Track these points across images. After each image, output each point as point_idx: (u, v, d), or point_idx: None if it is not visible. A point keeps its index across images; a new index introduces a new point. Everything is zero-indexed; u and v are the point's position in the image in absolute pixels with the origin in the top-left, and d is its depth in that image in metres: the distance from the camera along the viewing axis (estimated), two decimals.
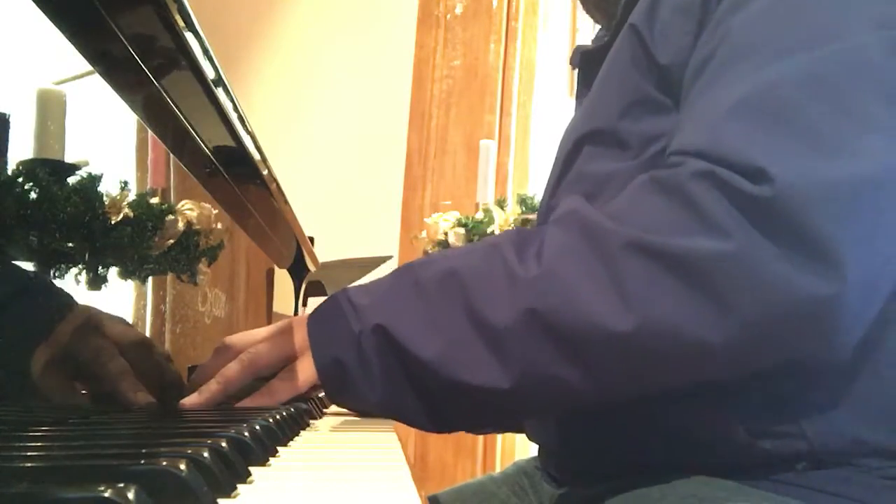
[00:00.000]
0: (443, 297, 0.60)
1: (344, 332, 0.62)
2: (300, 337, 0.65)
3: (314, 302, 1.71)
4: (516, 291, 0.57)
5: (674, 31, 0.63)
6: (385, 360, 0.60)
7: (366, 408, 0.65)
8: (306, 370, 0.63)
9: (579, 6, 0.89)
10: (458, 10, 2.80)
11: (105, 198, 0.58)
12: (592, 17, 0.88)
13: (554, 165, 0.79)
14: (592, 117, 0.70)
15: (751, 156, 0.51)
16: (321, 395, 1.03)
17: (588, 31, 2.82)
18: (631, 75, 0.66)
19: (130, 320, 0.68)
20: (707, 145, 0.54)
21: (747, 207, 0.51)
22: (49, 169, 0.53)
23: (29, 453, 0.36)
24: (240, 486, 0.33)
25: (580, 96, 0.84)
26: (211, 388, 0.64)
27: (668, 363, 0.54)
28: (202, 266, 0.80)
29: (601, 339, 0.54)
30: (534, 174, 2.68)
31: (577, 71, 0.85)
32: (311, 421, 0.68)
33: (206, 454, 0.32)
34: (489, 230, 1.83)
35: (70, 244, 0.55)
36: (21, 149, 0.52)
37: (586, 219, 0.57)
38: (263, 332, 0.67)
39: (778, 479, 0.57)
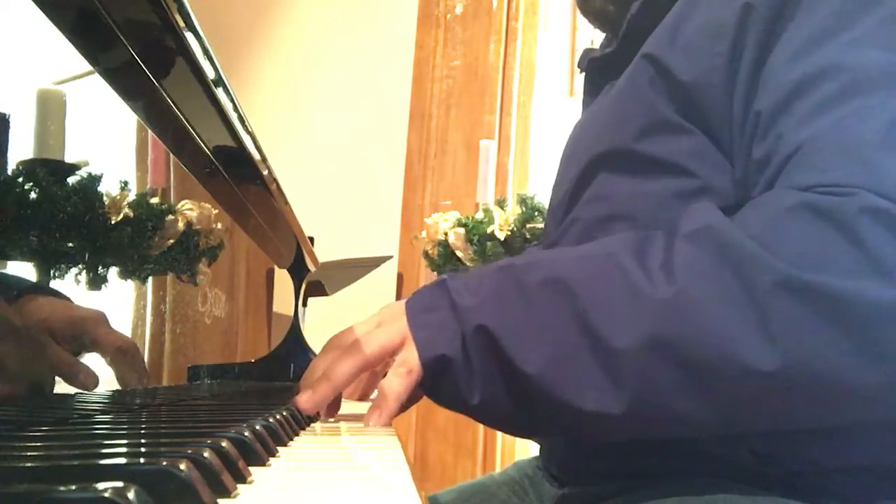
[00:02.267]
0: (550, 305, 0.56)
1: (447, 326, 0.59)
2: (401, 326, 0.62)
3: (314, 302, 1.71)
4: (640, 311, 0.52)
5: (698, 49, 0.61)
6: (488, 367, 0.57)
7: (461, 408, 0.61)
8: (413, 361, 0.60)
9: (577, 6, 0.89)
10: (458, 10, 2.80)
11: (105, 198, 0.58)
12: (594, 25, 0.87)
13: (561, 178, 0.79)
14: (607, 138, 0.69)
15: None
16: None
17: (588, 31, 2.82)
18: (647, 99, 0.64)
19: (130, 320, 0.68)
20: (869, 181, 0.49)
21: None
22: (49, 169, 0.53)
23: (29, 453, 0.36)
24: (240, 486, 0.33)
25: (586, 103, 0.84)
26: (321, 387, 0.63)
27: (804, 406, 0.51)
28: (202, 266, 0.80)
29: (737, 377, 0.50)
30: (534, 174, 2.68)
31: (583, 74, 0.85)
32: (311, 421, 0.68)
33: (206, 454, 0.32)
34: (489, 230, 1.83)
35: (70, 244, 0.55)
36: (21, 149, 0.52)
37: (727, 239, 0.51)
38: (364, 325, 0.65)
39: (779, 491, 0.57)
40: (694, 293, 0.51)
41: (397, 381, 0.61)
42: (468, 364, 0.58)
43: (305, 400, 0.63)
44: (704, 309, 0.50)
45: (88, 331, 0.60)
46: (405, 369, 0.60)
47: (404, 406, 0.63)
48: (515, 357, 0.56)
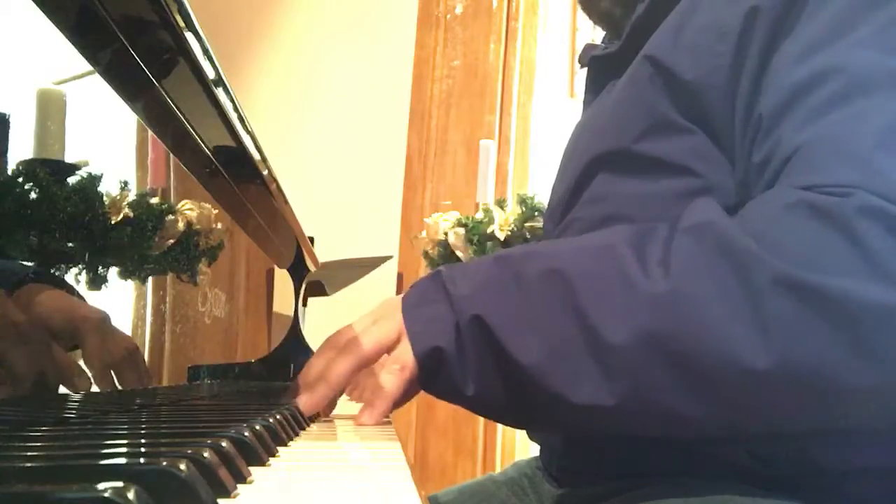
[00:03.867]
0: (547, 296, 0.56)
1: (442, 318, 0.59)
2: (396, 322, 0.62)
3: (314, 302, 1.71)
4: (636, 306, 0.52)
5: (703, 50, 0.61)
6: (482, 355, 0.57)
7: (456, 400, 0.61)
8: (407, 357, 0.60)
9: (580, 7, 0.89)
10: (458, 10, 2.80)
11: (105, 198, 0.58)
12: (599, 26, 0.87)
13: (561, 177, 0.79)
14: (607, 138, 0.69)
15: None
16: None
17: (588, 31, 2.82)
18: (648, 99, 0.64)
19: (130, 320, 0.68)
20: (867, 181, 0.49)
21: None
22: (49, 169, 0.52)
23: (29, 453, 0.36)
24: (240, 486, 0.33)
25: (588, 101, 0.84)
26: (319, 389, 0.63)
27: (798, 407, 0.51)
28: (202, 266, 0.80)
29: (731, 374, 0.50)
30: (534, 174, 2.68)
31: (585, 70, 0.85)
32: (311, 421, 0.68)
33: (206, 454, 0.32)
34: (489, 230, 1.83)
35: (70, 244, 0.55)
36: (21, 149, 0.52)
37: (725, 236, 0.51)
38: (359, 324, 0.65)
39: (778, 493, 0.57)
40: (690, 289, 0.51)
41: (390, 379, 0.61)
42: (462, 355, 0.58)
43: (304, 402, 0.63)
44: (700, 305, 0.50)
45: (88, 333, 0.60)
46: (398, 366, 0.60)
47: (399, 402, 0.63)
48: (510, 348, 0.56)
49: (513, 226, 1.82)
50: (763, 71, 0.58)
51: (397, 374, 0.60)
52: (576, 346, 0.54)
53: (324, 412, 0.69)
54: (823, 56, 0.55)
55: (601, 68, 0.80)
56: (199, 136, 0.79)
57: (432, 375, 0.60)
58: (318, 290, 1.90)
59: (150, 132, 0.71)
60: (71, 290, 0.57)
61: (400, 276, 2.69)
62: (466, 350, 0.58)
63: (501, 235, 1.81)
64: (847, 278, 0.47)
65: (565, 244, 0.62)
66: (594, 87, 0.82)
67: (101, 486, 0.24)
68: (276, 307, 1.30)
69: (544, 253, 0.60)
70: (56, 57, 0.56)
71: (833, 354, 0.48)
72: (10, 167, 0.50)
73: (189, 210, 0.73)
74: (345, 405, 0.73)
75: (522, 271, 0.58)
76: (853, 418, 0.52)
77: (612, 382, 0.53)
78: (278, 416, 0.53)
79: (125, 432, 0.48)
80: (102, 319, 0.61)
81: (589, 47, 0.85)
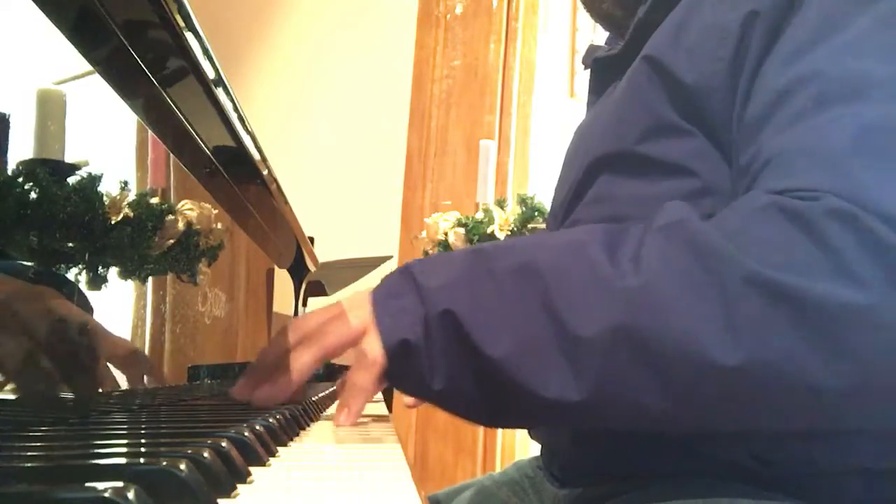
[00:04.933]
0: (519, 291, 0.56)
1: (411, 311, 0.58)
2: (365, 314, 0.61)
3: (314, 302, 1.71)
4: (606, 300, 0.52)
5: (702, 53, 0.61)
6: (451, 349, 0.57)
7: (424, 395, 0.60)
8: (376, 350, 0.59)
9: (580, 6, 0.89)
10: (458, 10, 2.80)
11: (105, 198, 0.58)
12: (602, 26, 0.87)
13: (563, 179, 0.79)
14: (609, 140, 0.69)
15: (891, 205, 0.48)
16: (321, 395, 1.03)
17: (588, 31, 2.82)
18: (649, 101, 0.64)
19: (130, 320, 0.68)
20: (838, 185, 0.50)
21: (890, 260, 0.47)
22: (49, 169, 0.52)
23: (29, 453, 0.36)
24: (240, 486, 0.33)
25: (591, 103, 0.84)
26: (282, 381, 0.62)
27: (766, 405, 0.51)
28: (202, 266, 0.80)
29: (698, 371, 0.50)
30: (534, 174, 2.68)
31: (586, 71, 0.85)
32: (311, 421, 0.68)
33: (206, 454, 0.32)
34: (489, 230, 1.83)
35: (70, 244, 0.55)
36: (21, 149, 0.52)
37: (697, 235, 0.52)
38: (325, 313, 0.64)
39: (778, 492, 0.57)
40: (661, 285, 0.51)
41: (362, 375, 0.60)
42: (431, 348, 0.57)
43: (266, 393, 0.62)
44: (670, 301, 0.51)
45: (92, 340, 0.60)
46: (368, 361, 0.59)
47: (374, 394, 0.63)
48: (480, 341, 0.55)
49: (513, 226, 1.82)
50: (757, 75, 0.59)
51: (368, 370, 0.59)
52: (546, 340, 0.54)
53: (291, 399, 0.67)
54: (806, 61, 0.56)
55: (604, 70, 0.80)
56: (199, 136, 0.79)
57: (400, 369, 0.59)
58: (318, 290, 1.91)
59: (150, 132, 0.71)
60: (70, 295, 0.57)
61: None
62: (435, 343, 0.57)
63: (501, 235, 1.81)
64: (815, 279, 0.48)
65: (538, 240, 0.62)
66: (597, 89, 0.82)
67: (101, 486, 0.24)
68: (276, 307, 1.30)
69: (517, 248, 0.60)
70: (56, 57, 0.56)
71: (800, 354, 0.48)
72: (10, 167, 0.50)
73: (189, 210, 0.73)
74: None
75: (494, 266, 0.58)
76: (829, 420, 0.53)
77: (581, 377, 0.53)
78: (278, 416, 0.54)
79: (125, 432, 0.49)
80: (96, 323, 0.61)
81: (592, 49, 0.85)
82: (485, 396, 0.58)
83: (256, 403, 0.63)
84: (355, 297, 0.63)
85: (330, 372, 1.63)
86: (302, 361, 0.62)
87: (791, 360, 0.48)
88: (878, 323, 0.47)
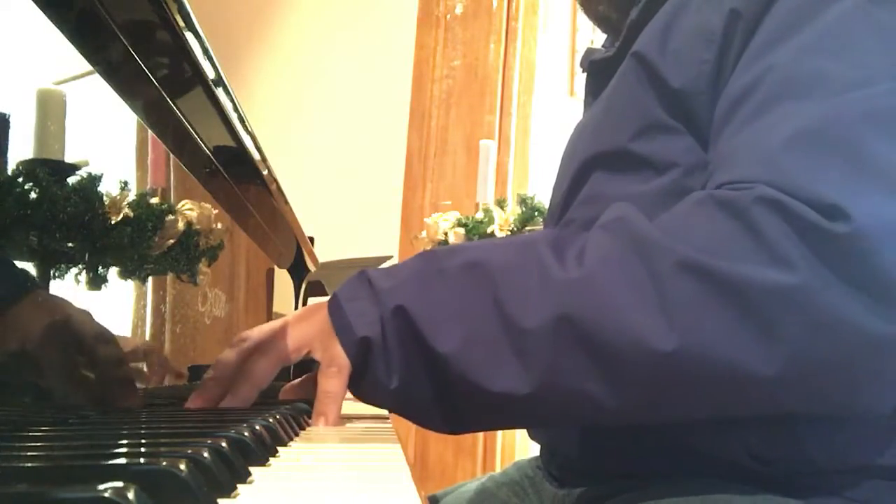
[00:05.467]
0: (467, 287, 0.57)
1: (367, 311, 0.59)
2: (319, 319, 0.61)
3: (314, 302, 1.71)
4: (550, 292, 0.54)
5: (688, 56, 0.62)
6: (404, 347, 0.58)
7: (381, 399, 0.61)
8: (340, 355, 0.59)
9: (580, 7, 0.89)
10: (458, 10, 2.80)
11: (105, 198, 0.58)
12: (598, 28, 0.88)
13: (559, 180, 0.79)
14: (601, 139, 0.69)
15: (821, 191, 0.50)
16: None
17: (588, 31, 2.82)
18: (639, 100, 0.65)
19: (130, 320, 0.68)
20: (769, 176, 0.52)
21: (817, 242, 0.49)
22: (49, 169, 0.52)
23: (29, 453, 0.36)
24: (240, 486, 0.33)
25: (588, 104, 0.84)
26: (243, 389, 0.62)
27: (705, 390, 0.52)
28: (202, 266, 0.80)
29: (636, 356, 0.51)
30: (534, 174, 2.68)
31: (585, 75, 0.85)
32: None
33: (206, 454, 0.32)
34: (489, 230, 1.83)
35: (70, 244, 0.55)
36: (21, 149, 0.52)
37: (636, 228, 0.54)
38: (281, 321, 0.64)
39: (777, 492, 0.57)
40: (599, 275, 0.53)
41: (332, 382, 0.60)
42: (386, 346, 0.58)
43: (228, 403, 0.62)
44: (608, 290, 0.52)
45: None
46: (335, 368, 0.60)
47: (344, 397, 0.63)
48: (431, 337, 0.56)
49: (513, 226, 1.82)
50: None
51: (337, 377, 0.60)
52: (493, 333, 0.55)
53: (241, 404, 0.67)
54: (767, 60, 0.57)
55: (600, 72, 0.81)
56: (199, 136, 0.79)
57: (360, 370, 0.60)
58: (318, 290, 1.90)
59: (150, 132, 0.71)
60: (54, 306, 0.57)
61: None
62: (390, 341, 0.58)
63: (501, 235, 1.81)
64: (744, 263, 0.50)
65: (491, 242, 0.64)
66: (594, 91, 0.82)
67: (101, 486, 0.24)
68: (276, 307, 1.30)
69: (468, 248, 0.61)
70: (56, 57, 0.56)
71: (731, 336, 0.50)
72: (10, 167, 0.50)
73: (189, 210, 0.73)
74: (348, 405, 0.73)
75: (445, 265, 0.59)
76: (765, 405, 0.53)
77: (528, 369, 0.54)
78: (278, 416, 0.53)
79: (125, 432, 0.48)
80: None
81: (589, 51, 0.85)
82: (437, 394, 0.58)
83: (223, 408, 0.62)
84: (309, 308, 0.65)
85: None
86: (260, 369, 0.62)
87: (723, 342, 0.50)
88: (806, 303, 0.49)
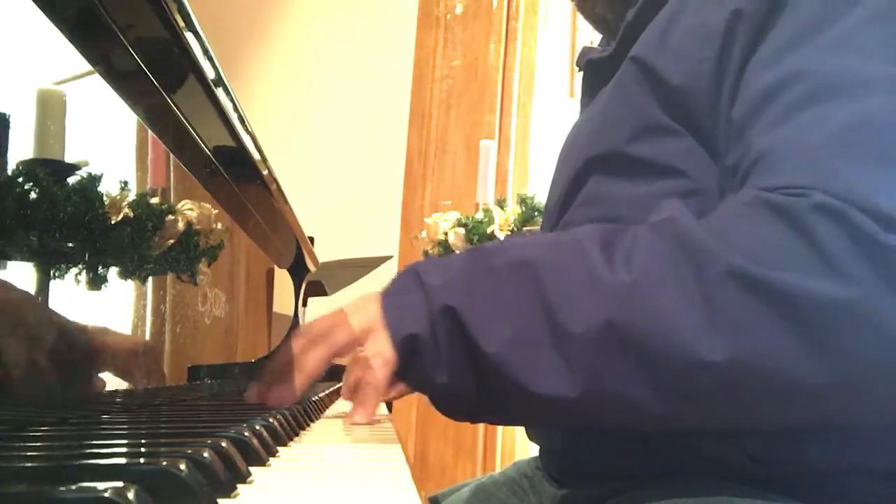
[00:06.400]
0: (515, 288, 0.57)
1: (417, 307, 0.59)
2: (371, 313, 0.62)
3: (314, 302, 1.71)
4: (599, 297, 0.53)
5: (687, 53, 0.62)
6: (453, 344, 0.58)
7: (428, 390, 0.61)
8: (386, 348, 0.60)
9: (576, 9, 0.89)
10: (458, 10, 2.80)
11: (105, 198, 0.58)
12: (595, 28, 0.88)
13: (557, 180, 0.79)
14: (599, 141, 0.69)
15: (880, 202, 0.48)
16: (321, 395, 1.03)
17: (588, 31, 2.82)
18: (637, 102, 0.65)
19: (130, 320, 0.68)
20: (824, 182, 0.50)
21: (876, 255, 0.48)
22: (49, 169, 0.52)
23: (29, 453, 0.36)
24: (240, 486, 0.33)
25: (584, 104, 0.84)
26: (297, 378, 0.64)
27: (753, 400, 0.52)
28: (202, 266, 0.80)
29: (685, 366, 0.50)
30: (534, 174, 2.68)
31: (581, 73, 0.85)
32: (311, 421, 0.68)
33: (206, 454, 0.32)
34: (489, 230, 1.83)
35: (70, 244, 0.55)
36: (21, 149, 0.52)
37: (686, 231, 0.53)
38: (330, 316, 0.65)
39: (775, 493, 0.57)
40: (649, 281, 0.52)
41: (374, 374, 0.61)
42: (436, 343, 0.58)
43: (277, 392, 0.64)
44: (657, 297, 0.51)
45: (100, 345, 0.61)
46: (380, 360, 0.60)
47: (387, 396, 0.64)
48: (477, 336, 0.56)
49: (513, 226, 1.82)
50: (742, 75, 0.59)
51: (380, 369, 0.61)
52: (539, 335, 0.55)
53: (286, 401, 0.68)
54: (792, 60, 0.56)
55: (597, 71, 0.81)
56: (199, 136, 0.79)
57: (408, 363, 0.60)
58: (318, 290, 1.90)
59: (150, 132, 0.71)
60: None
61: None
62: (439, 338, 0.58)
63: (501, 235, 1.81)
64: (799, 274, 0.48)
65: (537, 239, 0.63)
66: (590, 91, 0.82)
67: (101, 486, 0.24)
68: (276, 307, 1.30)
69: (516, 246, 0.61)
70: (56, 57, 0.56)
71: (784, 348, 0.49)
72: (10, 167, 0.50)
73: (189, 210, 0.73)
74: (347, 406, 0.73)
75: (493, 263, 0.59)
76: (813, 414, 0.53)
77: (573, 373, 0.53)
78: (278, 416, 0.54)
79: (125, 432, 0.49)
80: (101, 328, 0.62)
81: (586, 50, 0.85)
82: (482, 392, 0.58)
83: (270, 404, 0.65)
84: (359, 300, 0.65)
85: (333, 371, 1.63)
86: (310, 361, 0.63)
87: (773, 354, 0.49)
88: (863, 318, 0.48)
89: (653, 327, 0.51)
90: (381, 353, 0.60)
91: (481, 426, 2.49)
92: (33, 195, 0.51)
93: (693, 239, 0.52)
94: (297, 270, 1.45)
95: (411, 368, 0.60)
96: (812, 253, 0.49)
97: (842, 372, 0.49)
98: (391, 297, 0.62)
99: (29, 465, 0.32)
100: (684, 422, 0.55)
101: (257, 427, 0.44)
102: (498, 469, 1.45)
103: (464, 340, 0.57)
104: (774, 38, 0.58)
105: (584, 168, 0.69)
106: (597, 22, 0.86)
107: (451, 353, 0.58)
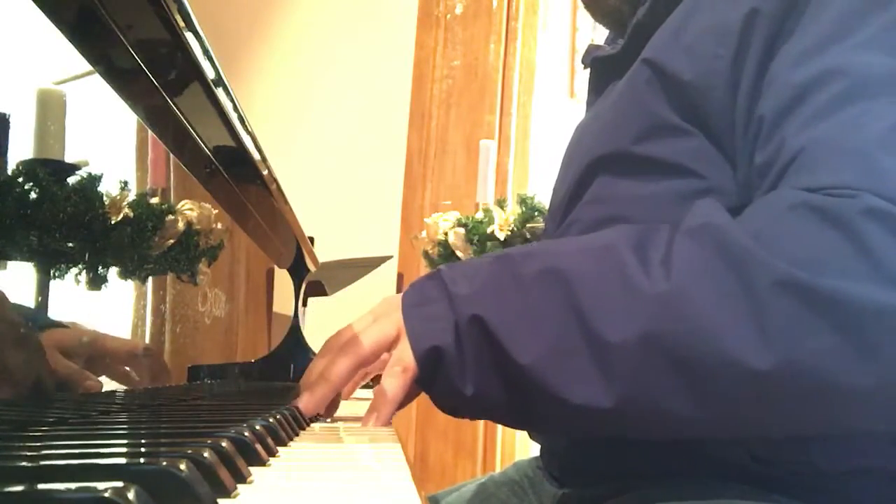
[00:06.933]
0: (547, 297, 0.55)
1: (442, 317, 0.58)
2: (395, 319, 0.61)
3: (314, 302, 1.71)
4: (636, 306, 0.52)
5: (701, 50, 0.61)
6: (481, 355, 0.57)
7: (455, 402, 0.61)
8: (407, 357, 0.60)
9: (580, 6, 0.89)
10: (458, 10, 2.80)
11: (105, 198, 0.58)
12: (604, 25, 0.87)
13: (562, 178, 0.78)
14: (606, 140, 0.69)
15: None
16: None
17: (588, 31, 2.82)
18: (646, 102, 0.64)
19: (130, 320, 0.68)
20: (872, 184, 0.49)
21: None
22: (49, 169, 0.52)
23: (29, 453, 0.36)
24: (240, 486, 0.33)
25: (590, 102, 0.84)
26: (320, 389, 0.63)
27: (804, 409, 0.51)
28: (202, 266, 0.80)
29: (729, 375, 0.49)
30: (534, 174, 2.68)
31: (587, 71, 0.84)
32: (311, 421, 0.68)
33: (206, 454, 0.32)
34: (489, 230, 1.83)
35: (70, 244, 0.55)
36: (21, 149, 0.52)
37: (727, 237, 0.51)
38: (357, 324, 0.65)
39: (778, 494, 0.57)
40: (690, 289, 0.51)
41: (393, 382, 0.60)
42: (461, 354, 0.58)
43: (305, 402, 0.63)
44: (700, 305, 0.50)
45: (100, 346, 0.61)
46: (400, 368, 0.60)
47: (402, 403, 0.63)
48: (509, 348, 0.55)
49: (513, 226, 1.82)
50: (762, 73, 0.58)
51: (399, 376, 0.60)
52: (575, 345, 0.53)
53: (326, 413, 0.68)
54: (825, 58, 0.55)
55: (604, 69, 0.80)
56: (199, 136, 0.79)
57: (432, 375, 0.60)
58: (318, 290, 1.90)
59: (150, 132, 0.71)
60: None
61: (400, 276, 2.69)
62: (465, 349, 0.57)
63: (501, 235, 1.81)
64: (849, 280, 0.47)
65: (565, 244, 0.62)
66: (597, 89, 0.82)
67: (101, 486, 0.24)
68: (276, 307, 1.30)
69: (544, 252, 0.59)
70: (56, 57, 0.56)
71: (834, 357, 0.47)
72: (10, 167, 0.50)
73: (189, 210, 0.73)
74: (345, 405, 0.73)
75: (522, 271, 0.58)
76: (855, 421, 0.52)
77: (610, 383, 0.52)
78: (278, 416, 0.53)
79: (125, 432, 0.49)
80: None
81: (592, 48, 0.85)
82: (515, 402, 0.58)
83: (305, 413, 0.64)
84: (385, 304, 0.64)
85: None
86: (337, 370, 0.63)
87: (824, 363, 0.47)
88: None
89: (695, 337, 0.50)
90: (402, 360, 0.60)
91: (481, 426, 2.49)
92: (33, 195, 0.51)
93: (736, 245, 0.50)
94: (297, 270, 1.45)
95: (436, 380, 0.60)
96: (862, 258, 0.47)
97: (883, 377, 0.48)
98: (414, 307, 0.61)
99: (29, 464, 0.32)
100: (723, 431, 0.55)
101: (257, 427, 0.44)
102: (498, 469, 1.45)
103: (493, 351, 0.56)
104: (802, 36, 0.57)
105: (590, 167, 0.69)
106: (607, 15, 0.84)
107: (478, 363, 0.57)
